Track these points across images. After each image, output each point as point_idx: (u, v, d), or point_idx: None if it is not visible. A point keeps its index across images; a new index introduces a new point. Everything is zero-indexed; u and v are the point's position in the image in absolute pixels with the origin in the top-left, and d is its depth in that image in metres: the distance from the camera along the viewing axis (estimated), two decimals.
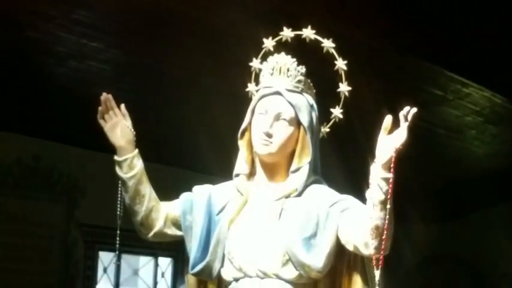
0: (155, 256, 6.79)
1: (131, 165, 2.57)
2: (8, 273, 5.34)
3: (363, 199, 2.42)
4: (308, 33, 2.68)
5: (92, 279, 6.12)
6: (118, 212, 2.60)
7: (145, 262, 6.91)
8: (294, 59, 2.64)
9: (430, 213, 8.31)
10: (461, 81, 5.86)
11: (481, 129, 7.17)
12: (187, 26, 4.53)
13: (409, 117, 2.18)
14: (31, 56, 4.88)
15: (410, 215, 6.98)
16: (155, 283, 6.91)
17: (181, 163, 5.75)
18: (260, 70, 2.73)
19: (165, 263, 6.89)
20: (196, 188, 2.74)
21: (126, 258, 6.54)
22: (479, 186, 7.98)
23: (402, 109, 2.21)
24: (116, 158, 2.59)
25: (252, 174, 2.72)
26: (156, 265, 6.92)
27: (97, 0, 4.38)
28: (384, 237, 2.25)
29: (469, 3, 4.87)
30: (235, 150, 2.73)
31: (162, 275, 6.92)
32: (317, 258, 2.44)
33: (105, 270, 6.42)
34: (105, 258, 6.30)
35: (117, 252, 2.65)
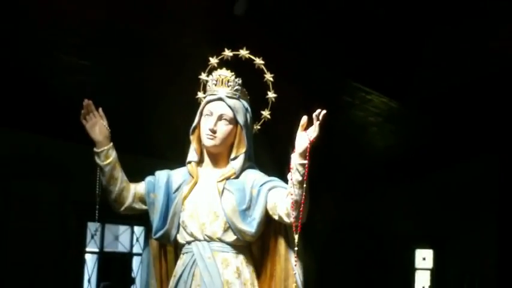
0: (131, 225, 7.24)
1: (107, 155, 2.71)
2: (20, 237, 5.87)
3: (285, 180, 2.56)
4: (244, 53, 2.80)
5: (82, 244, 6.64)
6: (97, 191, 2.71)
7: (123, 230, 7.35)
8: (233, 73, 2.79)
9: (342, 191, 8.77)
10: (365, 90, 6.30)
11: (380, 127, 7.57)
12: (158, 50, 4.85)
13: (320, 117, 2.36)
14: None
15: (326, 193, 7.15)
16: (131, 246, 7.37)
17: (147, 153, 5.98)
18: (207, 81, 2.83)
19: (139, 231, 7.29)
20: (158, 172, 2.85)
21: (109, 227, 7.07)
22: (379, 170, 8.53)
23: (315, 111, 2.38)
24: (95, 149, 2.73)
25: (200, 161, 2.83)
26: (132, 232, 7.36)
27: None
28: (301, 209, 2.41)
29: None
30: (187, 143, 2.86)
31: (137, 239, 7.39)
32: (251, 226, 2.61)
33: (92, 236, 6.92)
34: (92, 227, 6.82)
35: (97, 221, 2.87)
